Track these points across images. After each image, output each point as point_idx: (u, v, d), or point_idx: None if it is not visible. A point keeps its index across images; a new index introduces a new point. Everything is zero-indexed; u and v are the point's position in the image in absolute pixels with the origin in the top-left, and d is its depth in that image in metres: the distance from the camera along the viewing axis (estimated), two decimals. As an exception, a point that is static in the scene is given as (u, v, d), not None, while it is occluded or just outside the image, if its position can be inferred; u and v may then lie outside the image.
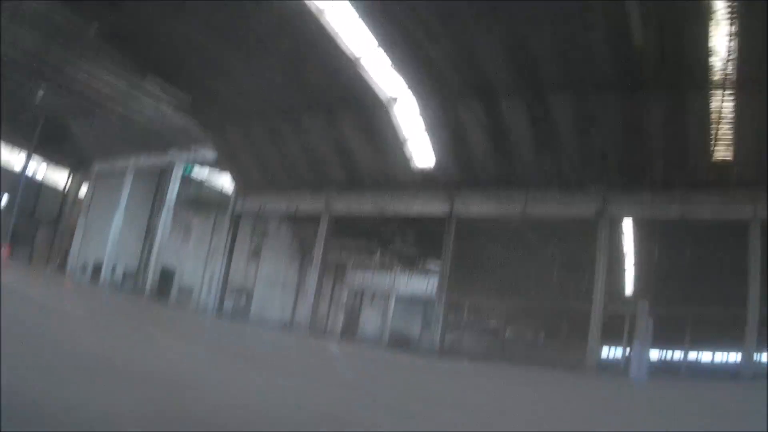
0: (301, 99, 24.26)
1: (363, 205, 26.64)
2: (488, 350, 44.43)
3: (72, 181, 48.18)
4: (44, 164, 46.46)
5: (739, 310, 19.84)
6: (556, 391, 11.55)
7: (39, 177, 46.30)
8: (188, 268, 38.04)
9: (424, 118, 22.47)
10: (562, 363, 26.48)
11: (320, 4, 19.13)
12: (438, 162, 23.68)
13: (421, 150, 23.61)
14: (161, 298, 34.37)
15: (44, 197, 46.67)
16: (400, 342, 30.30)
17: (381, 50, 20.29)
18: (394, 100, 22.37)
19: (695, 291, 31.83)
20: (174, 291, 37.87)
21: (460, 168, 23.58)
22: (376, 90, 22.06)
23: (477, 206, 23.94)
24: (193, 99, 27.30)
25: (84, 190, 44.66)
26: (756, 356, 20.47)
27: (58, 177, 48.40)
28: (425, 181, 24.65)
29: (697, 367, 43.50)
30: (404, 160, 24.25)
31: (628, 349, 22.76)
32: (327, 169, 27.06)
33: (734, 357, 40.84)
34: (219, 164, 32.38)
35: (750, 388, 15.36)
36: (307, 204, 28.50)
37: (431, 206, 24.90)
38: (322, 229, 27.61)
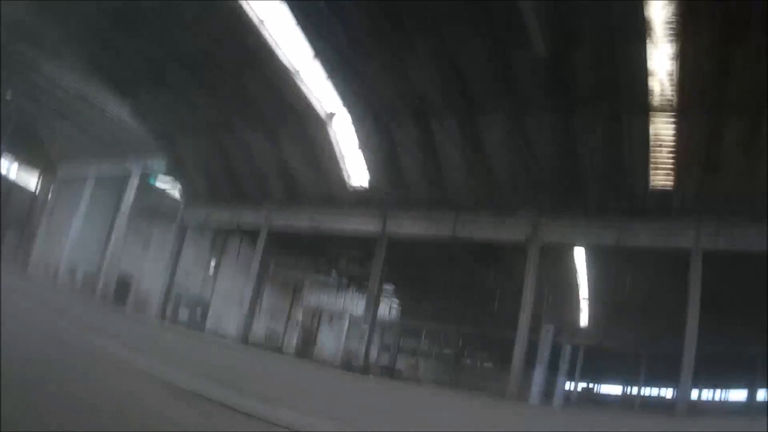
0: (243, 112, 24.37)
1: (301, 220, 26.66)
2: (424, 373, 44.31)
3: (42, 184, 48.11)
4: (15, 165, 46.50)
5: (676, 345, 19.39)
6: (446, 409, 11.34)
7: (10, 177, 46.31)
8: (147, 276, 37.84)
9: (359, 136, 22.50)
10: (491, 389, 26.19)
11: (261, 15, 19.33)
12: (372, 180, 23.70)
13: (356, 168, 23.64)
14: (118, 304, 34.18)
15: (14, 199, 46.60)
16: (349, 362, 30.13)
17: (317, 62, 20.41)
18: (332, 115, 22.43)
19: (634, 321, 31.67)
20: (131, 298, 37.73)
21: (392, 187, 23.50)
22: (315, 105, 22.14)
23: (409, 226, 23.81)
24: (146, 109, 27.48)
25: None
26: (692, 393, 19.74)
27: (30, 179, 48.35)
28: (360, 199, 24.62)
29: (632, 401, 43.09)
30: (340, 178, 24.27)
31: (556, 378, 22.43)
32: (267, 184, 27.20)
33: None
34: (169, 174, 32.47)
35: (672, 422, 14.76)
36: (249, 217, 28.66)
37: (365, 224, 24.81)
38: (261, 242, 27.86)
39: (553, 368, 22.34)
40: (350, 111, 21.93)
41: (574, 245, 22.71)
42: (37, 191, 47.53)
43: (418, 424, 8.06)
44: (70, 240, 37.41)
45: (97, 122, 31.74)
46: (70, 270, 37.38)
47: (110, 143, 33.25)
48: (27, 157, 44.81)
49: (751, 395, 40.99)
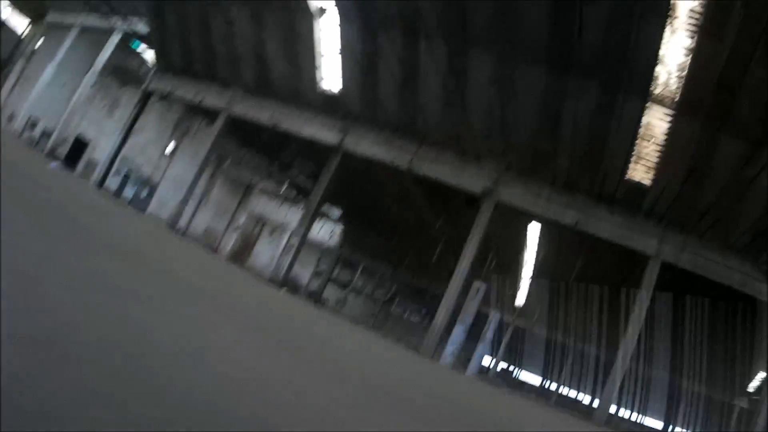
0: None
1: (262, 113, 25.39)
2: (350, 309, 43.82)
3: (30, 30, 46.95)
4: (9, 6, 45.26)
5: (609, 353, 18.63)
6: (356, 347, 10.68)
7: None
8: (103, 142, 36.64)
9: (343, 39, 21.13)
10: (410, 343, 25.49)
11: None
12: (343, 88, 22.40)
13: (331, 71, 22.35)
14: (68, 166, 33.14)
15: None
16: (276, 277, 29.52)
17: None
18: (322, 11, 21.10)
19: (573, 315, 30.94)
20: (82, 162, 36.66)
21: (362, 100, 22.20)
22: (306, -5, 20.79)
23: (368, 146, 22.59)
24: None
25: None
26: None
27: (20, 22, 47.14)
28: (325, 104, 23.40)
29: (548, 396, 42.99)
30: (312, 77, 22.97)
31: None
32: (239, 67, 25.88)
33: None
34: (149, 38, 31.23)
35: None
36: (213, 99, 27.38)
37: (325, 133, 23.63)
38: (218, 123, 26.70)
39: (477, 336, 21.65)
40: (341, 11, 20.54)
41: (531, 214, 20.98)
42: (23, 36, 46.56)
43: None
44: (38, 89, 36.15)
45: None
46: (30, 121, 36.23)
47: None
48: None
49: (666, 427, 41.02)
